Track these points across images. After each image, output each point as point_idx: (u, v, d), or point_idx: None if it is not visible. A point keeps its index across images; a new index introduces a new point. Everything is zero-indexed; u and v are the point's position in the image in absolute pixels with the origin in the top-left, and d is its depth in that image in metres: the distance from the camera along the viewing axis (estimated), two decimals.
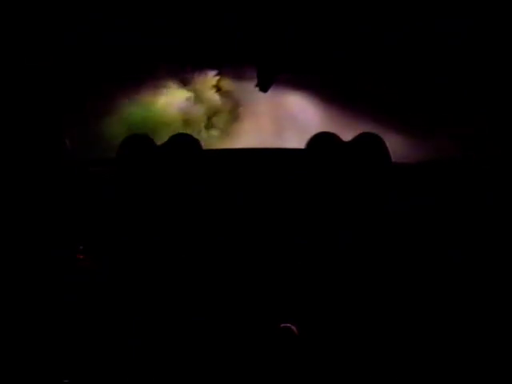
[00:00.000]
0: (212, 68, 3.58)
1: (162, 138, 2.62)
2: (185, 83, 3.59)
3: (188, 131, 3.08)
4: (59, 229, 2.42)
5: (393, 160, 2.60)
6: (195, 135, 2.73)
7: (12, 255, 2.35)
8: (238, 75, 3.53)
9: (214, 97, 3.66)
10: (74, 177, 2.56)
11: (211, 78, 3.62)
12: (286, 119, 3.48)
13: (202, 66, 3.51)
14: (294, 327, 2.21)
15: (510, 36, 2.84)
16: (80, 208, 2.46)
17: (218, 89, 3.66)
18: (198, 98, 3.62)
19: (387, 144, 2.60)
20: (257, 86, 3.41)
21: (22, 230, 2.41)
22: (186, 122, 3.57)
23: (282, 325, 2.22)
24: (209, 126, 3.61)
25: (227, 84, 3.64)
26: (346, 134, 2.64)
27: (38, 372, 2.20)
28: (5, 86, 2.93)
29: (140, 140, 2.62)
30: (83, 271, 2.33)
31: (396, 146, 2.74)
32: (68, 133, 2.86)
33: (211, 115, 3.64)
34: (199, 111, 3.62)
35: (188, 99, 3.60)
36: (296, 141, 2.95)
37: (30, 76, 3.02)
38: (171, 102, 3.55)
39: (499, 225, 2.45)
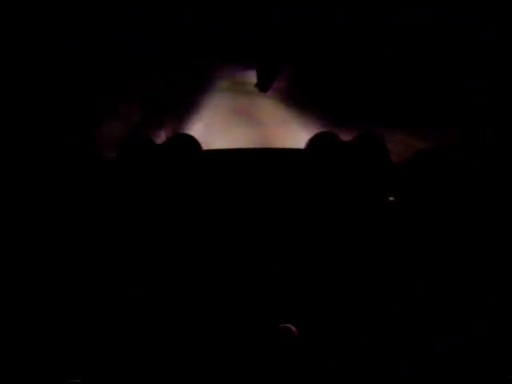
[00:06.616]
0: (211, 68, 3.58)
1: None
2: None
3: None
4: (59, 229, 2.42)
5: (393, 160, 2.61)
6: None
7: (15, 251, 2.36)
8: (238, 75, 3.53)
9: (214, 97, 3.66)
10: (77, 176, 2.57)
11: (211, 78, 3.63)
12: (285, 119, 3.48)
13: (202, 66, 3.51)
14: (293, 327, 2.22)
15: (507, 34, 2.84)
16: (80, 207, 2.47)
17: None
18: None
19: (387, 144, 2.61)
20: (257, 85, 3.41)
21: (25, 226, 2.42)
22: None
23: (282, 325, 2.22)
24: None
25: (227, 84, 3.64)
26: (346, 134, 2.65)
27: (42, 371, 2.21)
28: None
29: (140, 140, 2.63)
30: (82, 272, 2.34)
31: (396, 146, 2.74)
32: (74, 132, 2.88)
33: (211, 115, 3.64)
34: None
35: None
36: (296, 141, 2.95)
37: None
38: None
39: (499, 225, 2.46)
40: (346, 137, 2.62)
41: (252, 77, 3.43)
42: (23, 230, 2.42)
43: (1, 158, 2.64)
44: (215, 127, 3.61)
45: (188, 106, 3.61)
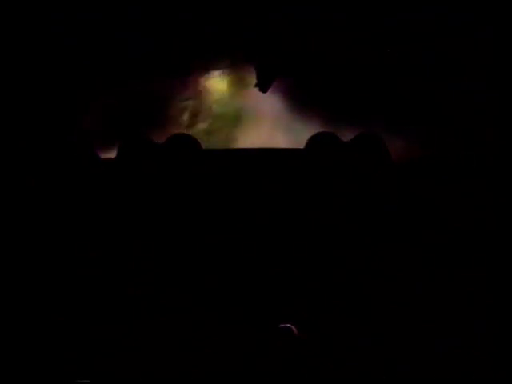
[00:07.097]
0: (211, 68, 3.57)
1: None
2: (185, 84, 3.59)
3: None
4: (59, 229, 2.42)
5: (393, 160, 2.60)
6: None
7: (16, 251, 2.36)
8: (238, 75, 3.52)
9: (214, 98, 3.65)
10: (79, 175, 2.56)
11: (211, 78, 3.62)
12: (286, 119, 3.48)
13: (202, 66, 3.51)
14: (293, 327, 2.22)
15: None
16: (80, 207, 2.47)
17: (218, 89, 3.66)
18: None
19: (387, 144, 2.61)
20: (257, 86, 3.41)
21: (25, 226, 2.42)
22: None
23: (282, 325, 2.22)
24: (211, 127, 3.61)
25: (227, 84, 3.64)
26: (346, 134, 2.65)
27: (42, 371, 2.20)
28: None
29: (140, 140, 2.63)
30: (82, 272, 2.34)
31: (396, 146, 2.74)
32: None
33: (213, 115, 3.64)
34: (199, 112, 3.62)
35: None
36: (296, 141, 2.95)
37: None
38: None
39: (499, 225, 2.45)
40: (345, 137, 2.62)
41: (252, 77, 3.43)
42: (23, 230, 2.41)
43: (1, 158, 2.64)
44: (215, 127, 3.61)
45: (187, 105, 3.61)
